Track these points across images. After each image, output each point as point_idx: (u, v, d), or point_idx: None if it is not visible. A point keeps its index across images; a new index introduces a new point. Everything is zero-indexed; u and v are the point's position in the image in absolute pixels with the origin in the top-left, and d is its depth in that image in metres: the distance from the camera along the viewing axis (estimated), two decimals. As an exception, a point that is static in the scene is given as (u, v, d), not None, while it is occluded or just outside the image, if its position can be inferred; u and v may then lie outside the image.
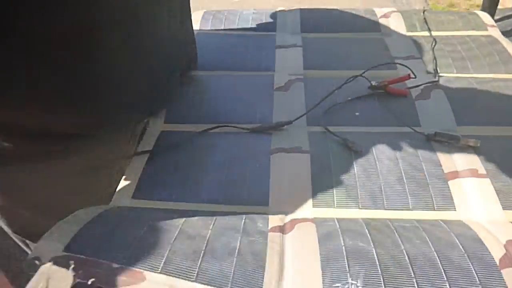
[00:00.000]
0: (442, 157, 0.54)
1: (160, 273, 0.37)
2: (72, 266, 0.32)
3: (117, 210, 0.47)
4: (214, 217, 0.45)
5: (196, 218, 0.45)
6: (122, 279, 0.35)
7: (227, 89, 0.67)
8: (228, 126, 0.59)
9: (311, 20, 0.88)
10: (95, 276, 0.35)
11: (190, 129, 0.60)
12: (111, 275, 0.35)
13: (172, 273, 0.37)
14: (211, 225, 0.43)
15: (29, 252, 0.66)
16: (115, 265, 0.36)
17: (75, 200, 0.59)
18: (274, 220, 0.46)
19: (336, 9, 0.92)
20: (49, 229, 0.39)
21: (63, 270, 0.31)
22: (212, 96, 0.66)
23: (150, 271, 0.36)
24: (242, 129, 0.59)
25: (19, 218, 0.59)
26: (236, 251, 0.40)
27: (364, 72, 0.66)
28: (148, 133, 0.60)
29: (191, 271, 0.37)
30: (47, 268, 0.31)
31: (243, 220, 0.45)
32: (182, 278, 0.36)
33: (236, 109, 0.63)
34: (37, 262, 0.35)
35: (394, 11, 0.91)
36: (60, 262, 0.35)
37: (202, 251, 0.39)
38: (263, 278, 0.38)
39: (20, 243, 0.64)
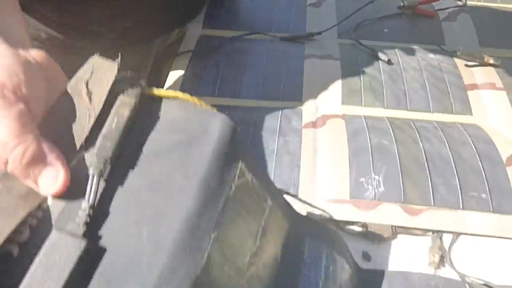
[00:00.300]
0: (463, 71, 0.58)
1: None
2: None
3: None
4: (253, 121, 0.49)
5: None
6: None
7: (261, 1, 0.70)
8: (263, 33, 0.63)
9: None
10: None
11: (227, 35, 0.63)
12: None
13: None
14: (251, 129, 0.48)
15: None
16: None
17: None
18: (307, 116, 0.51)
19: None
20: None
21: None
22: (247, 6, 0.69)
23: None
24: (275, 37, 0.63)
25: None
26: (275, 153, 0.45)
27: (395, -9, 0.68)
28: (188, 36, 0.64)
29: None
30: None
31: (279, 119, 0.50)
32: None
33: (270, 19, 0.66)
34: None
35: None
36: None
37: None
38: (299, 177, 0.43)
39: None
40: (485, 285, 0.35)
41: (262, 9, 0.68)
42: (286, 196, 0.36)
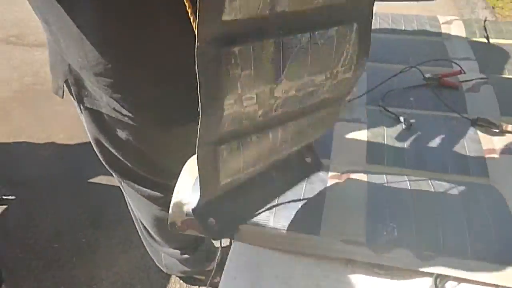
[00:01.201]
0: (483, 137, 0.63)
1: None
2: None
3: None
4: None
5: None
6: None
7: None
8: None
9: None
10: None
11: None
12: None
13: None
14: None
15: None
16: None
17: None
18: (334, 170, 0.58)
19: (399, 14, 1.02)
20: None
21: None
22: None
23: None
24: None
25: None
26: (302, 196, 0.53)
27: (420, 64, 0.76)
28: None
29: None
30: None
31: None
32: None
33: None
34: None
35: (456, 19, 0.99)
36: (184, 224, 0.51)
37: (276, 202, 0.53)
38: (321, 219, 0.50)
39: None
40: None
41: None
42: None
